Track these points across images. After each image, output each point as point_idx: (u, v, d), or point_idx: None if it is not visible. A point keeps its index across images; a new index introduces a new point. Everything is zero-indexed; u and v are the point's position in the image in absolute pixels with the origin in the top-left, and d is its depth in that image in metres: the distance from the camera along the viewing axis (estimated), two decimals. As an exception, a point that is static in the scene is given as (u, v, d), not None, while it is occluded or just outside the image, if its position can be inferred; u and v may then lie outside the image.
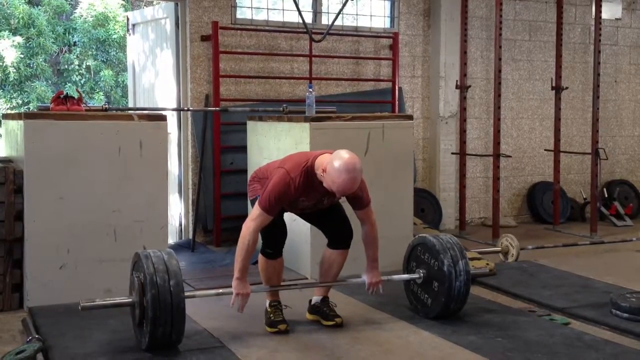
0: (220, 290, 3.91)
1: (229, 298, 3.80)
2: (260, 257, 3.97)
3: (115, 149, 4.56)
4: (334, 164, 3.59)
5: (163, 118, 4.80)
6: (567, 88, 7.55)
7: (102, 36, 13.24)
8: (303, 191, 3.74)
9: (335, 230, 4.03)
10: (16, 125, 4.64)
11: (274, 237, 3.91)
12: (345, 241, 4.03)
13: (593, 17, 7.55)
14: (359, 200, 3.88)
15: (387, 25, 7.32)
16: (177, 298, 3.47)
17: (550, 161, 7.73)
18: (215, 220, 6.35)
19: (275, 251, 3.94)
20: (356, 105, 6.86)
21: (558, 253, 6.10)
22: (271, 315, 3.97)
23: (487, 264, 5.25)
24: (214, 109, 6.23)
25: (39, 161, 4.40)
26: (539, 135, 8.03)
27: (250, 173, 5.78)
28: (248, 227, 3.71)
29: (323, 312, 4.08)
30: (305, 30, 6.36)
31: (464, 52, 7.16)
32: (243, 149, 6.02)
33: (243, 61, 6.56)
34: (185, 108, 6.32)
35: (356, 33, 7.07)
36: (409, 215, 5.61)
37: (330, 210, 4.01)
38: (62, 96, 4.84)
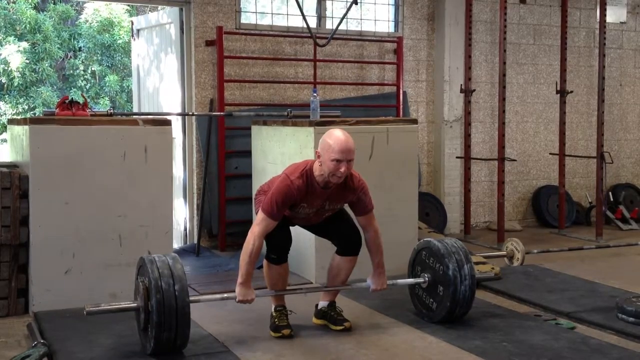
0: (225, 295, 3.90)
1: (234, 302, 3.81)
2: (265, 263, 3.97)
3: (120, 154, 4.57)
4: (324, 137, 3.74)
5: (168, 123, 4.81)
6: (571, 92, 7.55)
7: (107, 41, 13.30)
8: (304, 195, 3.75)
9: (344, 237, 4.02)
10: (22, 131, 4.66)
11: (278, 242, 3.90)
12: (354, 248, 4.02)
13: (598, 20, 7.55)
14: (362, 204, 3.88)
15: (392, 29, 7.33)
16: (181, 302, 3.47)
17: (555, 165, 7.72)
18: (220, 225, 6.36)
19: (280, 257, 3.93)
20: (360, 110, 6.86)
21: (563, 257, 6.09)
22: (276, 319, 3.97)
23: (492, 268, 5.23)
24: (219, 113, 6.24)
25: (45, 166, 4.42)
26: (544, 139, 8.02)
27: (254, 177, 5.81)
28: (253, 232, 3.72)
29: (331, 317, 4.07)
30: (309, 34, 6.37)
31: (468, 56, 7.16)
32: (248, 153, 6.03)
33: (247, 66, 6.58)
34: (190, 113, 6.33)
35: (360, 37, 7.08)
36: (414, 220, 5.61)
37: (338, 218, 4.01)
38: (67, 101, 4.86)
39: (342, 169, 3.65)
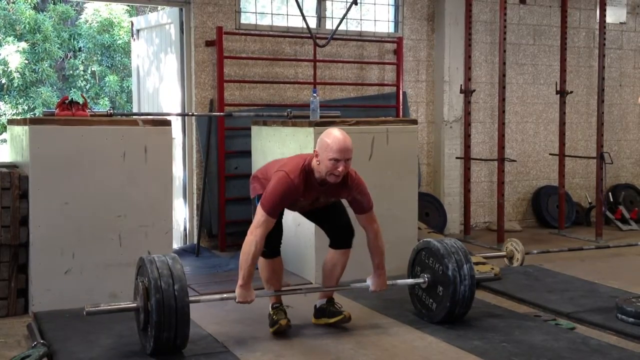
0: (225, 295, 3.91)
1: (233, 303, 3.81)
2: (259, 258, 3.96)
3: (120, 154, 4.58)
4: (322, 137, 3.75)
5: (168, 123, 4.81)
6: (571, 92, 7.55)
7: (107, 42, 13.30)
8: (302, 191, 3.76)
9: (337, 229, 4.04)
10: (21, 131, 4.66)
11: (269, 235, 3.86)
12: (346, 240, 4.04)
13: (597, 21, 7.56)
14: (359, 204, 3.89)
15: (391, 29, 7.33)
16: (181, 302, 3.47)
17: (555, 165, 7.72)
18: (219, 225, 6.36)
19: (271, 250, 3.92)
20: (360, 110, 6.86)
21: (563, 257, 6.09)
22: (274, 316, 3.99)
23: (492, 268, 5.24)
24: (219, 114, 6.24)
25: (44, 166, 4.42)
26: (544, 139, 8.02)
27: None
28: (255, 235, 3.70)
29: (329, 311, 4.08)
30: (309, 35, 6.36)
31: (468, 57, 7.16)
32: (247, 153, 6.03)
33: (247, 66, 6.58)
34: (190, 113, 6.33)
35: (360, 38, 7.08)
36: (414, 220, 5.61)
37: (332, 209, 4.03)
38: (67, 101, 4.86)
39: (340, 168, 3.66)
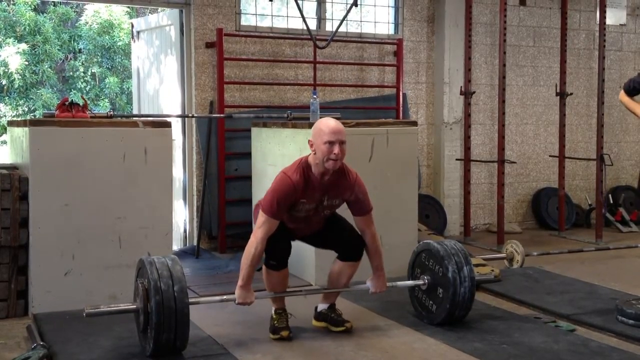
0: (225, 297, 3.91)
1: (233, 304, 3.81)
2: (264, 269, 3.94)
3: (120, 156, 4.57)
4: (314, 125, 3.83)
5: (168, 125, 4.81)
6: (571, 94, 7.55)
7: (107, 43, 13.31)
8: (303, 189, 3.75)
9: (345, 243, 4.00)
10: (21, 132, 4.66)
11: (277, 248, 3.86)
12: (356, 253, 4.01)
13: (597, 22, 7.56)
14: (360, 204, 3.89)
15: (392, 31, 7.34)
16: (181, 304, 3.47)
17: (555, 167, 7.72)
18: (219, 227, 6.36)
19: (279, 263, 3.90)
20: (360, 112, 6.87)
21: (563, 259, 6.08)
22: (275, 322, 3.97)
23: (492, 270, 5.23)
24: (219, 115, 6.24)
25: (44, 168, 4.42)
26: (544, 141, 8.02)
27: (254, 179, 5.82)
28: (256, 237, 3.70)
29: (331, 319, 4.07)
30: (309, 36, 6.37)
31: (468, 58, 7.16)
32: (247, 155, 6.03)
33: (247, 68, 6.58)
34: (190, 115, 6.33)
35: (360, 39, 7.08)
36: (414, 222, 5.61)
37: (337, 225, 4.01)
38: (67, 103, 4.86)
39: (336, 151, 3.68)
